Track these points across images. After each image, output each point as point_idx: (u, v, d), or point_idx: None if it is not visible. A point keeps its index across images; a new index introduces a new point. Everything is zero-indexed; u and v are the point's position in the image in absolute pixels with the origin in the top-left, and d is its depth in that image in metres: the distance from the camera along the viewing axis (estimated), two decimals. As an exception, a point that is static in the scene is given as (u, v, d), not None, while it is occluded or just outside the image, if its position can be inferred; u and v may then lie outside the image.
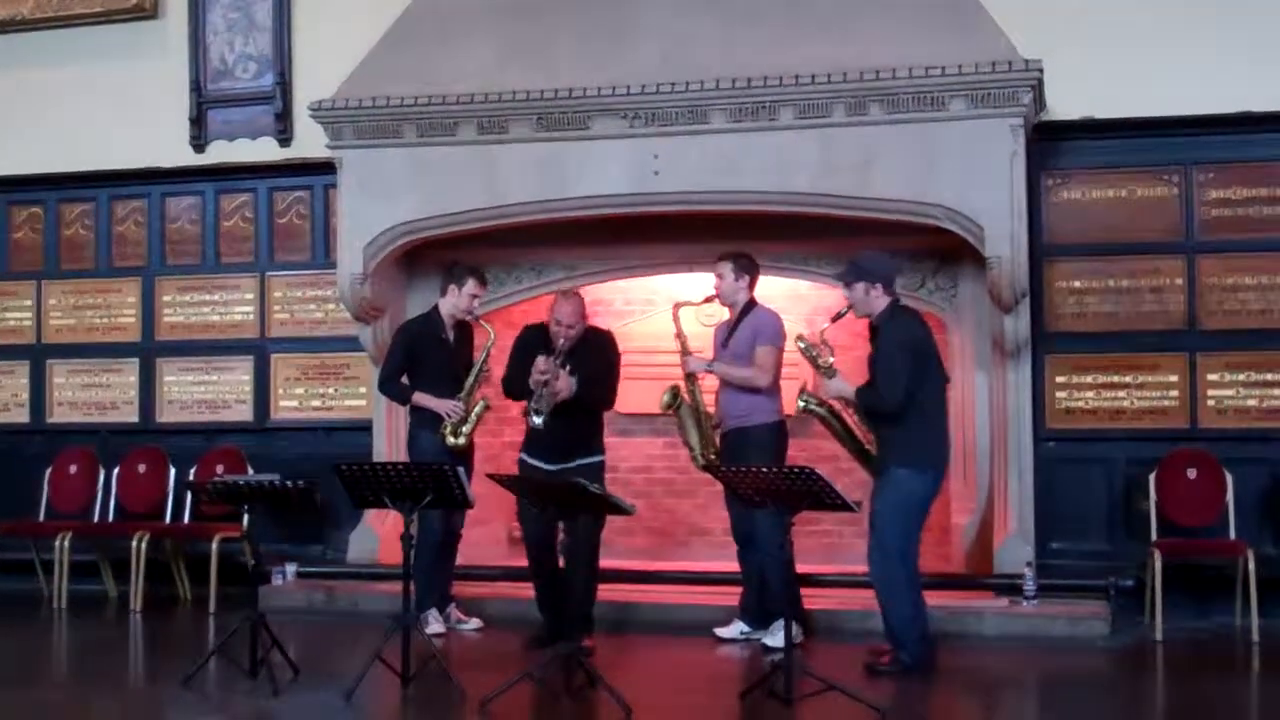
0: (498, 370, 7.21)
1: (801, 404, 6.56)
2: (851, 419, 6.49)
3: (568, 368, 6.71)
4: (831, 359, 6.46)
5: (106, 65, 9.43)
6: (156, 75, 9.35)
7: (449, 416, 7.13)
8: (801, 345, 6.56)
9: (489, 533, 8.31)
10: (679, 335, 7.03)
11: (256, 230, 9.22)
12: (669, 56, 7.82)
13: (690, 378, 6.97)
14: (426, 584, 7.08)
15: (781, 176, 7.66)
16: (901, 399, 6.10)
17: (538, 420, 6.71)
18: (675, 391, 6.96)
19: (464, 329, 7.40)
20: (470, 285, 7.28)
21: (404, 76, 8.11)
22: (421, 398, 7.21)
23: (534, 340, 6.91)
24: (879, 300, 6.30)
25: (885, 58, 7.48)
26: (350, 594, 8.00)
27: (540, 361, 6.67)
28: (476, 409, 7.18)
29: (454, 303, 7.31)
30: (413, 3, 8.41)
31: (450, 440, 7.12)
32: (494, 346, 7.25)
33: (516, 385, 6.89)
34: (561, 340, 6.73)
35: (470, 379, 7.21)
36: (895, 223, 7.64)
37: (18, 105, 9.59)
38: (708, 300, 7.10)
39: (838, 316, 6.49)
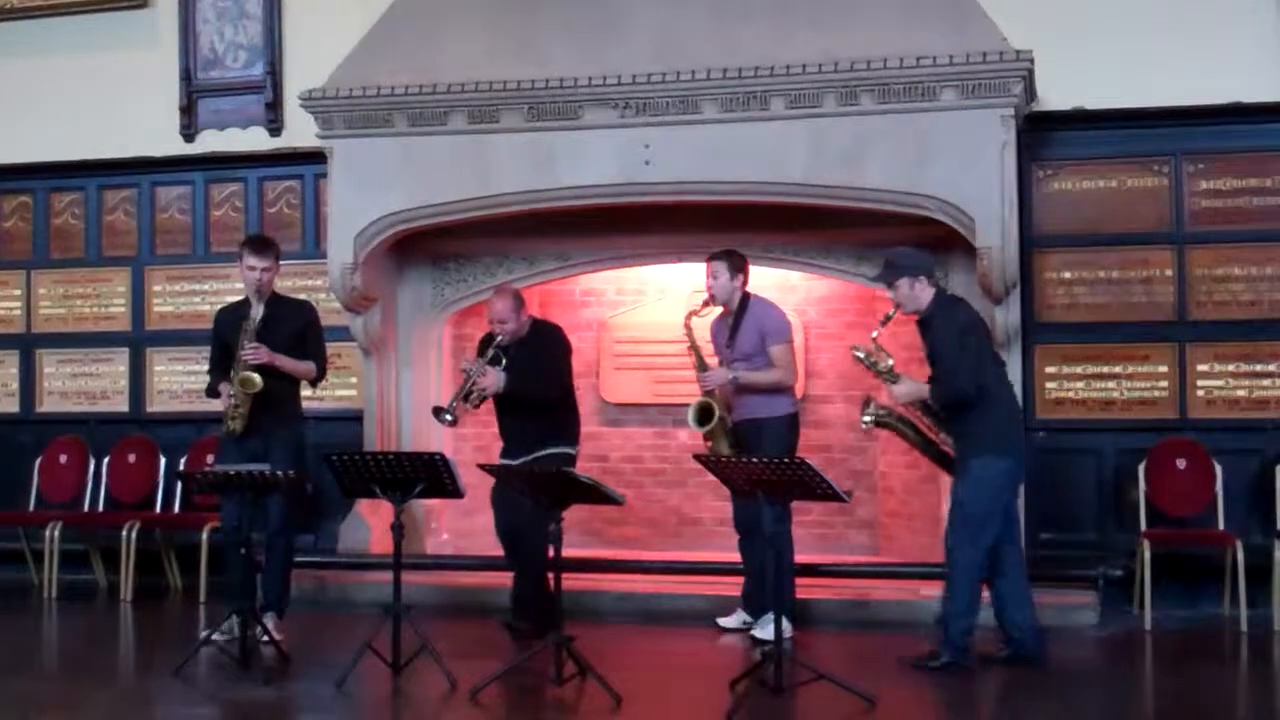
0: None
1: (870, 419, 6.24)
2: (923, 423, 6.25)
3: (502, 363, 6.73)
4: (891, 361, 6.20)
5: (96, 54, 9.38)
6: (146, 64, 9.31)
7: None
8: (860, 354, 6.25)
9: (480, 523, 8.30)
10: (693, 348, 6.91)
11: (247, 220, 9.18)
12: (660, 46, 7.81)
13: (711, 393, 6.79)
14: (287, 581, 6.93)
15: (772, 167, 7.66)
16: (974, 385, 5.92)
17: (449, 419, 6.74)
18: (709, 410, 6.74)
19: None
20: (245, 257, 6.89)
21: (395, 66, 8.09)
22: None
23: (487, 345, 6.93)
24: (925, 293, 6.13)
25: (876, 48, 7.48)
26: (340, 584, 8.00)
27: (465, 360, 6.67)
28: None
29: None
30: (403, -8, 8.41)
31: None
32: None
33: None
34: (500, 337, 6.75)
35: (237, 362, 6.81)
36: (885, 213, 7.65)
37: (7, 94, 9.54)
38: (705, 304, 6.95)
39: (886, 319, 6.25)
